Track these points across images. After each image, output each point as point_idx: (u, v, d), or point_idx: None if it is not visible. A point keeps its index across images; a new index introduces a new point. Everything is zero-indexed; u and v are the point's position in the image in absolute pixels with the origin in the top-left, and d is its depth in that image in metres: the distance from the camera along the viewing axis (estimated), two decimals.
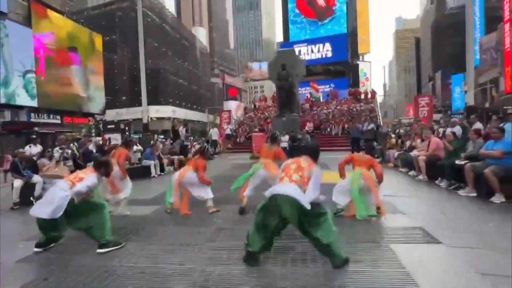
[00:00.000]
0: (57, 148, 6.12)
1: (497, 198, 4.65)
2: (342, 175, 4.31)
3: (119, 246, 3.17)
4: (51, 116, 27.31)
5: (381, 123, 14.35)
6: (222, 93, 70.25)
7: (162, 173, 8.79)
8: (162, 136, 20.59)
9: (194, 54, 60.47)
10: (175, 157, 9.80)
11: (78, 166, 6.32)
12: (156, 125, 44.88)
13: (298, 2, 40.27)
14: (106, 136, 10.45)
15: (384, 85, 39.60)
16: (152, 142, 9.76)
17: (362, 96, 21.25)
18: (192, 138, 15.60)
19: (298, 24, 40.72)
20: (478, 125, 7.00)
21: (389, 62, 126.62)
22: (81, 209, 3.19)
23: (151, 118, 44.03)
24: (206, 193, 4.52)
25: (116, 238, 3.30)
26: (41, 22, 25.62)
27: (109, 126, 16.53)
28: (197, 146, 12.07)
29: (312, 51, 34.91)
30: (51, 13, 26.62)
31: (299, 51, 35.01)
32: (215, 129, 15.62)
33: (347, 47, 34.46)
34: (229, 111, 27.05)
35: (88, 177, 3.28)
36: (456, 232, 3.36)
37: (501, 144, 4.85)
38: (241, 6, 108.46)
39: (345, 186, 4.03)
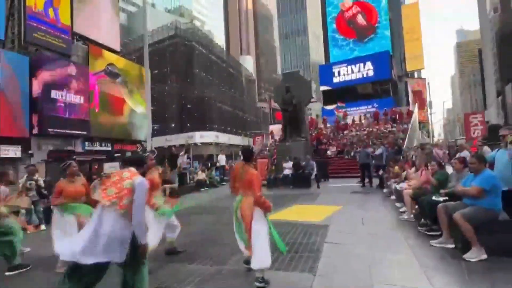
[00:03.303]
0: (22, 180, 6.39)
1: (473, 254, 3.40)
2: None
3: None
4: (103, 144, 30.07)
5: (405, 146, 12.58)
6: (268, 117, 71.22)
7: None
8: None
9: (239, 81, 62.82)
10: (167, 186, 9.63)
11: (42, 196, 6.52)
12: (201, 150, 46.81)
13: (338, 23, 39.63)
14: (105, 164, 10.88)
15: (430, 102, 35.76)
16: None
17: (400, 116, 19.29)
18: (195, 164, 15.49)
19: (338, 45, 39.88)
20: (485, 150, 5.52)
21: (451, 77, 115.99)
22: None
23: (195, 144, 46.26)
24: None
25: None
26: (97, 61, 29.00)
27: (116, 154, 17.30)
28: (200, 174, 11.85)
29: (352, 71, 33.44)
30: (106, 53, 30.06)
31: (339, 72, 33.89)
32: (223, 155, 15.32)
33: (391, 65, 32.26)
34: (263, 135, 26.84)
35: None
36: None
37: (481, 178, 3.63)
38: (289, 33, 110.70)
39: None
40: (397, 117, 18.72)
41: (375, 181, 10.14)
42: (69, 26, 26.15)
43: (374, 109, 28.39)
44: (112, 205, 2.24)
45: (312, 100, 15.90)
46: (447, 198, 4.17)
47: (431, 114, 35.58)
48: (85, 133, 26.93)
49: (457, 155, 6.41)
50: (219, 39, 77.69)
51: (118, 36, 33.74)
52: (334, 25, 40.09)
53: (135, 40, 55.41)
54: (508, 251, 3.43)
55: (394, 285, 2.86)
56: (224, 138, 50.27)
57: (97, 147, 29.13)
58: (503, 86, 50.44)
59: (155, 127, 42.51)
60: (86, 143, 27.89)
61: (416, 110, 22.20)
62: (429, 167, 5.01)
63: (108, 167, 10.05)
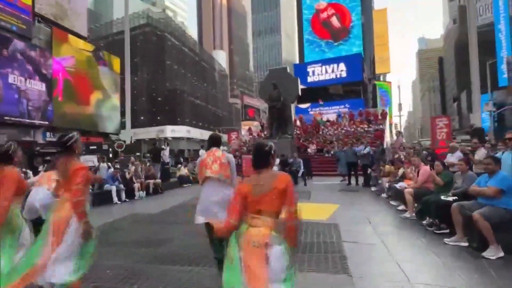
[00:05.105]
0: None
1: (491, 252, 3.52)
2: None
3: None
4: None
5: (386, 146, 13.11)
6: (240, 114, 70.96)
7: (127, 200, 8.09)
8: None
9: (212, 75, 61.80)
10: (151, 181, 9.16)
11: None
12: (172, 145, 45.39)
13: (313, 23, 40.30)
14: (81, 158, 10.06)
15: (399, 105, 37.87)
16: (128, 164, 9.28)
17: (373, 117, 20.06)
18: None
19: (313, 45, 40.58)
20: (481, 152, 5.83)
21: (413, 82, 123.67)
22: None
23: (166, 138, 44.81)
24: None
25: None
26: (62, 46, 26.83)
27: (91, 147, 16.27)
28: (183, 170, 11.41)
29: (326, 71, 34.18)
30: (72, 38, 27.89)
31: (313, 72, 34.46)
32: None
33: (362, 67, 33.45)
34: (238, 131, 26.57)
35: None
36: None
37: (496, 179, 3.77)
38: (262, 30, 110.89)
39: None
40: (371, 118, 19.45)
41: (360, 179, 10.44)
42: (29, 6, 23.88)
43: (346, 109, 29.30)
44: (220, 177, 3.00)
45: None
46: (456, 198, 4.30)
47: (400, 116, 37.54)
48: (46, 123, 24.94)
49: (448, 157, 6.69)
50: (192, 32, 75.84)
51: (86, 21, 31.50)
52: (309, 26, 40.75)
53: (103, 26, 52.31)
54: None
55: (437, 285, 2.83)
56: (196, 133, 49.25)
57: None
58: (459, 93, 54.54)
59: (123, 120, 40.49)
60: (48, 133, 25.84)
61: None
62: (434, 168, 5.16)
63: (83, 160, 9.25)
